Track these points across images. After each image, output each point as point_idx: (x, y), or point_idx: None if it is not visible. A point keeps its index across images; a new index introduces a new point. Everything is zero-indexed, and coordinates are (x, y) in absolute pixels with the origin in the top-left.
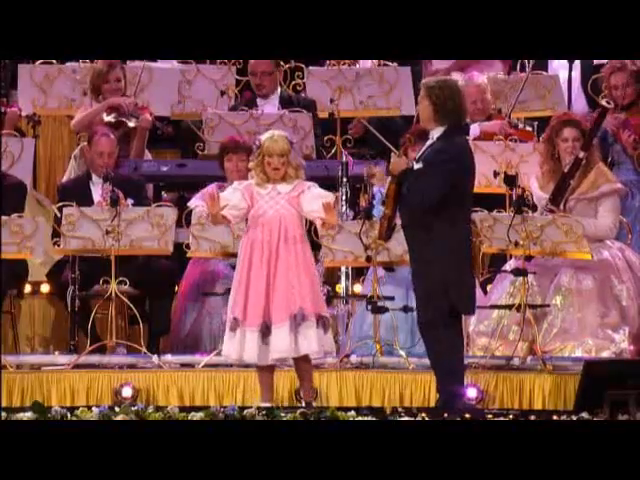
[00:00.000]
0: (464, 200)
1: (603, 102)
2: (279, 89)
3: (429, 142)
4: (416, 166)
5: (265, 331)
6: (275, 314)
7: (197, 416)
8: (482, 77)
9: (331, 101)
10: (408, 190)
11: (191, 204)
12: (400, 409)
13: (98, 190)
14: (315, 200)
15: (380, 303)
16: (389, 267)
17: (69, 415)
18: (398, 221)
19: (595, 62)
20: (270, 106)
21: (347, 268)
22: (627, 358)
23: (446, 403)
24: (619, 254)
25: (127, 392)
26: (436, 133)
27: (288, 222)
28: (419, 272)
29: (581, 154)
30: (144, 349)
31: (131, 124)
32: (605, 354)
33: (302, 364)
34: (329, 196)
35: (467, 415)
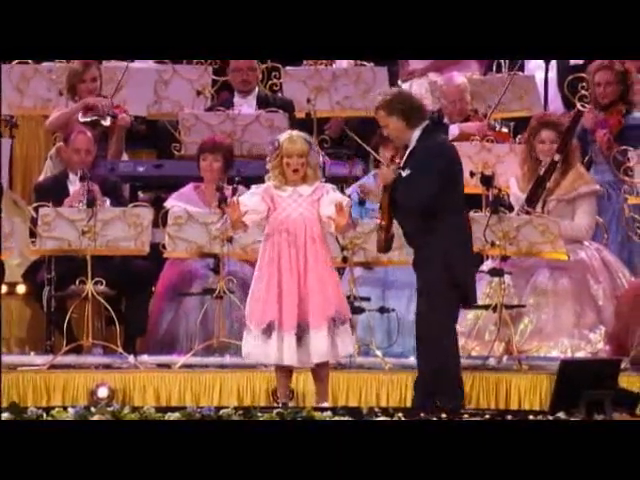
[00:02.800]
0: (457, 193)
1: (578, 105)
2: (257, 89)
3: (410, 147)
4: (404, 173)
5: (301, 334)
6: (313, 317)
7: (173, 416)
8: (462, 77)
9: (308, 101)
10: (401, 197)
11: (168, 204)
12: (377, 409)
13: (75, 189)
14: (332, 204)
15: (357, 304)
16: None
17: (45, 415)
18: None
19: (572, 63)
20: (247, 106)
21: None
22: (603, 358)
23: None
24: (596, 254)
25: (103, 392)
26: (414, 137)
27: (312, 225)
28: (422, 269)
29: (557, 157)
30: (120, 349)
31: (106, 123)
32: (581, 354)
33: (323, 368)
34: (344, 200)
35: (443, 415)
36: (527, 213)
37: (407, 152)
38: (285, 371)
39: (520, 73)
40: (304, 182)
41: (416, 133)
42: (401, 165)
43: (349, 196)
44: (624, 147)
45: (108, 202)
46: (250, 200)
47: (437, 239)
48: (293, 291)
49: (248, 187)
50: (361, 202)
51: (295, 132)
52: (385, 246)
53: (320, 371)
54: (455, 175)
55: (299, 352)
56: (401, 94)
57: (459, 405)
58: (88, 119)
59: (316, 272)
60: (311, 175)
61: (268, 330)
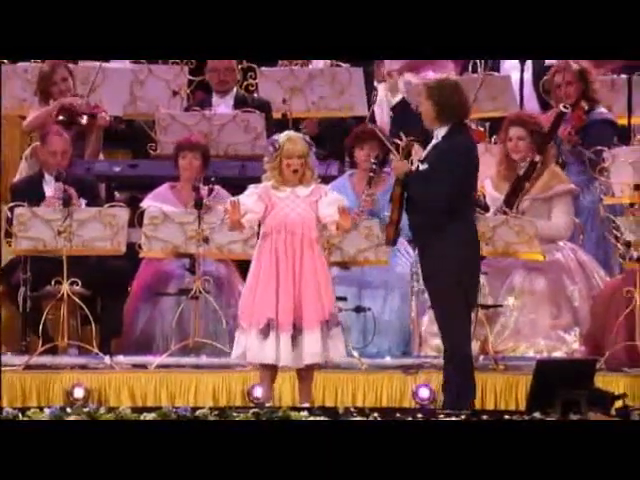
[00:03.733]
0: (472, 197)
1: (560, 106)
2: (235, 89)
3: (434, 142)
4: (422, 167)
5: (296, 335)
6: (306, 318)
7: (149, 417)
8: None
9: (283, 102)
10: (417, 193)
11: (144, 204)
12: (353, 409)
13: (51, 189)
14: (331, 205)
15: None
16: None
17: (21, 416)
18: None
19: (547, 63)
20: (225, 106)
21: None
22: (579, 358)
23: (459, 399)
24: (571, 255)
25: (79, 393)
26: (440, 132)
27: (310, 226)
28: (433, 269)
29: (537, 157)
30: (96, 350)
31: (83, 121)
32: (557, 354)
33: (309, 368)
34: (343, 200)
35: (419, 415)
36: (504, 213)
37: (430, 146)
38: (270, 371)
39: (495, 73)
40: (301, 183)
41: (443, 129)
42: (419, 159)
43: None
44: (599, 147)
45: (84, 203)
46: (248, 199)
47: (447, 239)
48: (289, 291)
49: (224, 187)
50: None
51: (294, 133)
52: (393, 240)
53: (307, 372)
54: (474, 177)
55: (294, 353)
56: (448, 85)
57: (468, 400)
58: (64, 119)
59: (312, 273)
60: (309, 176)
61: (266, 329)
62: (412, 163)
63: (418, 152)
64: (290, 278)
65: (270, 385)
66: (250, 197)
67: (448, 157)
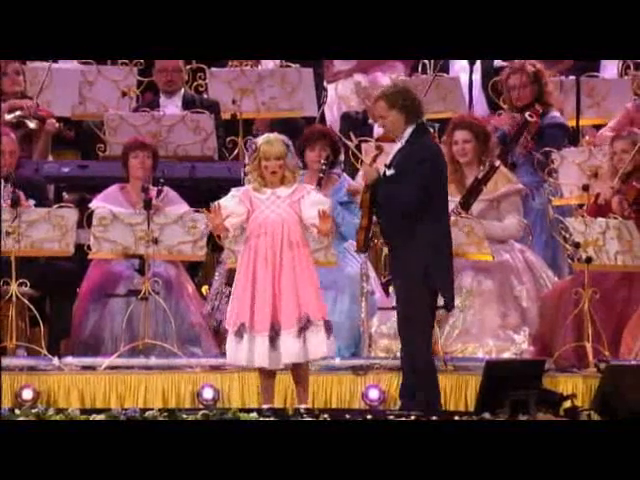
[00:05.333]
0: (441, 198)
1: (526, 115)
2: (183, 90)
3: (399, 146)
4: (388, 172)
5: (274, 336)
6: (284, 319)
7: (98, 418)
8: (386, 79)
9: (233, 102)
10: (385, 198)
11: (93, 205)
12: (302, 410)
13: None
14: (313, 206)
15: None
16: None
17: None
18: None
19: (496, 64)
20: (173, 106)
21: None
22: (527, 359)
23: (429, 405)
24: (519, 256)
25: (27, 394)
26: (404, 136)
27: (291, 226)
28: (401, 270)
29: (497, 162)
30: (44, 351)
31: (32, 125)
32: (506, 355)
33: (300, 369)
34: (326, 202)
35: (369, 416)
36: (458, 214)
37: (395, 150)
38: (266, 374)
39: (444, 75)
40: (282, 184)
41: (407, 132)
42: (386, 164)
43: None
44: (548, 149)
45: (32, 203)
46: (229, 202)
47: (418, 242)
48: (267, 293)
49: (173, 188)
50: None
51: (273, 135)
52: (364, 246)
53: (298, 373)
54: (442, 180)
55: (272, 354)
56: (404, 88)
57: (437, 404)
58: (13, 119)
59: (290, 274)
60: (289, 177)
61: (239, 332)
62: (362, 164)
63: (368, 152)
64: (269, 279)
65: (270, 389)
66: (231, 200)
67: (413, 162)
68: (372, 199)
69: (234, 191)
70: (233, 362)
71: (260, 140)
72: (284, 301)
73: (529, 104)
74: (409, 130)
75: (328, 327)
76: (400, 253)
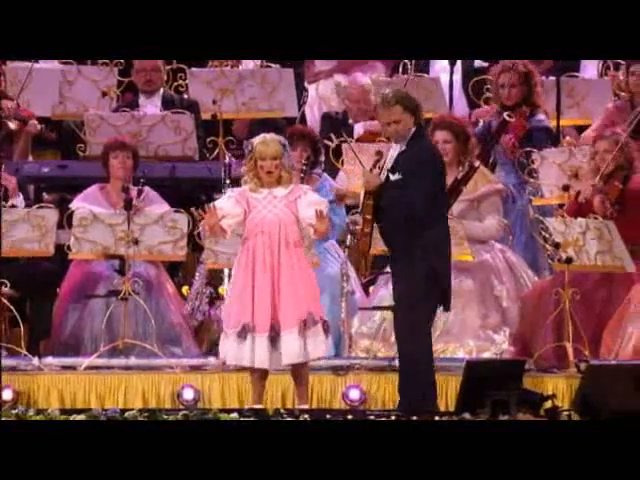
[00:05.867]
0: (442, 200)
1: (504, 115)
2: (162, 89)
3: (400, 149)
4: (393, 177)
5: (274, 336)
6: (284, 319)
7: (78, 418)
8: (366, 78)
9: (213, 102)
10: (392, 203)
11: (73, 205)
12: (282, 410)
13: None
14: (310, 207)
15: None
16: None
17: None
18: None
19: (476, 65)
20: (152, 106)
21: (230, 270)
22: (508, 359)
23: (419, 404)
24: (500, 256)
25: (7, 395)
26: (407, 138)
27: (288, 226)
28: (405, 273)
29: (477, 163)
30: (24, 351)
31: (12, 126)
32: (486, 355)
33: (300, 369)
34: (323, 203)
35: (350, 416)
36: None
37: (396, 154)
38: (259, 374)
39: (425, 75)
40: (279, 184)
41: (409, 135)
42: (388, 168)
43: None
44: (528, 149)
45: (21, 198)
46: (225, 203)
47: (421, 245)
48: (266, 293)
49: (154, 188)
50: None
51: (269, 135)
52: (368, 251)
53: (298, 373)
54: (443, 181)
55: (272, 354)
56: (408, 92)
57: (430, 405)
58: None
59: (289, 273)
60: (286, 177)
61: (243, 333)
62: (342, 164)
63: (348, 152)
64: (268, 280)
65: (260, 389)
66: (227, 201)
67: (418, 166)
68: (374, 205)
69: (230, 192)
70: (235, 363)
71: (256, 140)
72: (283, 301)
73: (517, 104)
74: (410, 133)
75: (326, 327)
76: (403, 256)
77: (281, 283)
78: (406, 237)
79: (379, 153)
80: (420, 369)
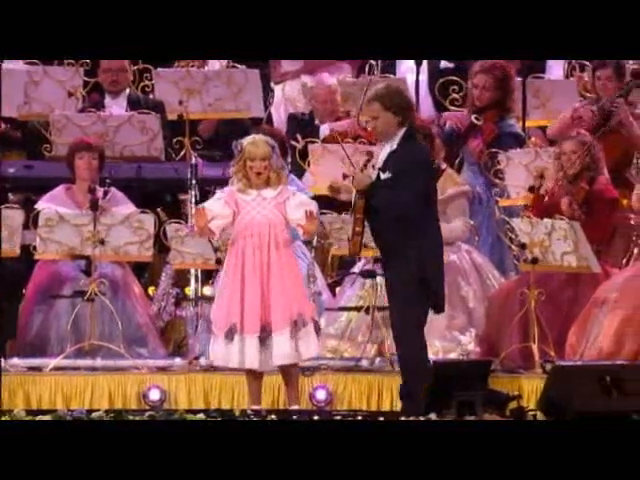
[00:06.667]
0: (433, 201)
1: (472, 118)
2: (128, 90)
3: (389, 149)
4: (383, 176)
5: (265, 337)
6: (275, 320)
7: (44, 419)
8: (332, 79)
9: (180, 103)
10: (382, 202)
11: (38, 206)
12: (249, 411)
13: None
14: (299, 208)
15: None
16: None
17: None
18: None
19: (442, 66)
20: (118, 107)
21: (196, 270)
22: (474, 359)
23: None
24: (466, 256)
25: None
26: (397, 138)
27: (277, 227)
28: (398, 274)
29: (443, 165)
30: None
31: None
32: (452, 356)
33: (290, 369)
34: (312, 204)
35: (316, 417)
36: None
37: (386, 154)
38: (254, 375)
39: (391, 75)
40: (268, 185)
41: (399, 134)
42: (380, 167)
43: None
44: (494, 150)
45: None
46: (215, 206)
47: (413, 245)
48: (256, 294)
49: (120, 189)
50: None
51: (258, 136)
52: (359, 251)
53: (288, 374)
54: (434, 182)
55: (263, 355)
56: (398, 90)
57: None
58: None
59: (279, 275)
60: (274, 178)
61: (230, 334)
62: (309, 165)
63: (314, 153)
64: (257, 281)
65: (256, 390)
66: (216, 202)
67: (410, 165)
68: (365, 205)
69: (219, 193)
70: (223, 364)
71: (245, 141)
72: (274, 302)
73: (486, 107)
74: (401, 133)
75: (317, 327)
76: (395, 257)
77: (271, 284)
78: (397, 238)
79: (369, 153)
80: (419, 368)
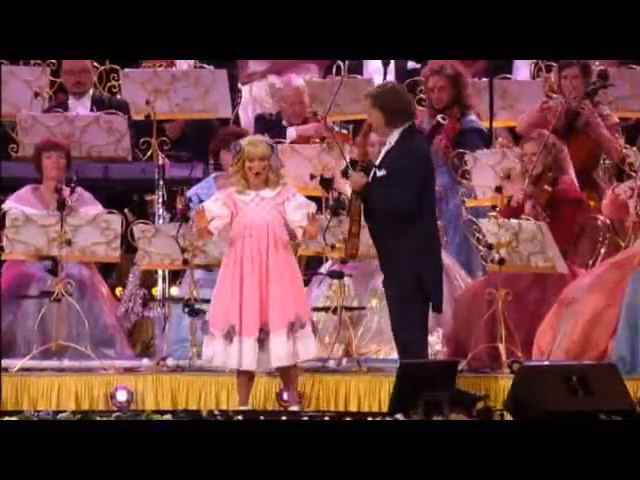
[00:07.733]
0: (431, 200)
1: (438, 117)
2: (92, 90)
3: (387, 147)
4: (379, 173)
5: (263, 338)
6: (273, 321)
7: (11, 420)
8: (300, 80)
9: (147, 103)
10: (378, 200)
11: (5, 206)
12: (216, 412)
13: None
14: (298, 209)
15: (197, 306)
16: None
17: None
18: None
19: (409, 66)
20: (82, 108)
21: (164, 271)
22: (441, 360)
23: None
24: None
25: None
26: (392, 137)
27: (276, 228)
28: (394, 273)
29: None
30: None
31: None
32: None
33: (289, 371)
34: (311, 205)
35: (284, 417)
36: None
37: (383, 152)
38: (246, 376)
39: (358, 76)
40: (266, 186)
41: (395, 133)
42: (376, 164)
43: (189, 199)
44: (461, 150)
45: None
46: (213, 206)
47: (408, 245)
48: (255, 296)
49: (87, 189)
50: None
51: (256, 136)
52: (356, 253)
53: (287, 375)
54: (432, 182)
55: (261, 357)
56: (391, 90)
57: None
58: None
59: (278, 276)
60: (273, 179)
61: (229, 335)
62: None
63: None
64: (255, 282)
65: (246, 391)
66: (215, 203)
67: (405, 163)
68: (361, 206)
69: (217, 194)
70: (222, 365)
71: (244, 141)
72: (272, 303)
73: (446, 106)
74: (398, 131)
75: (315, 328)
76: (390, 255)
77: (270, 285)
78: (394, 237)
79: (368, 157)
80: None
